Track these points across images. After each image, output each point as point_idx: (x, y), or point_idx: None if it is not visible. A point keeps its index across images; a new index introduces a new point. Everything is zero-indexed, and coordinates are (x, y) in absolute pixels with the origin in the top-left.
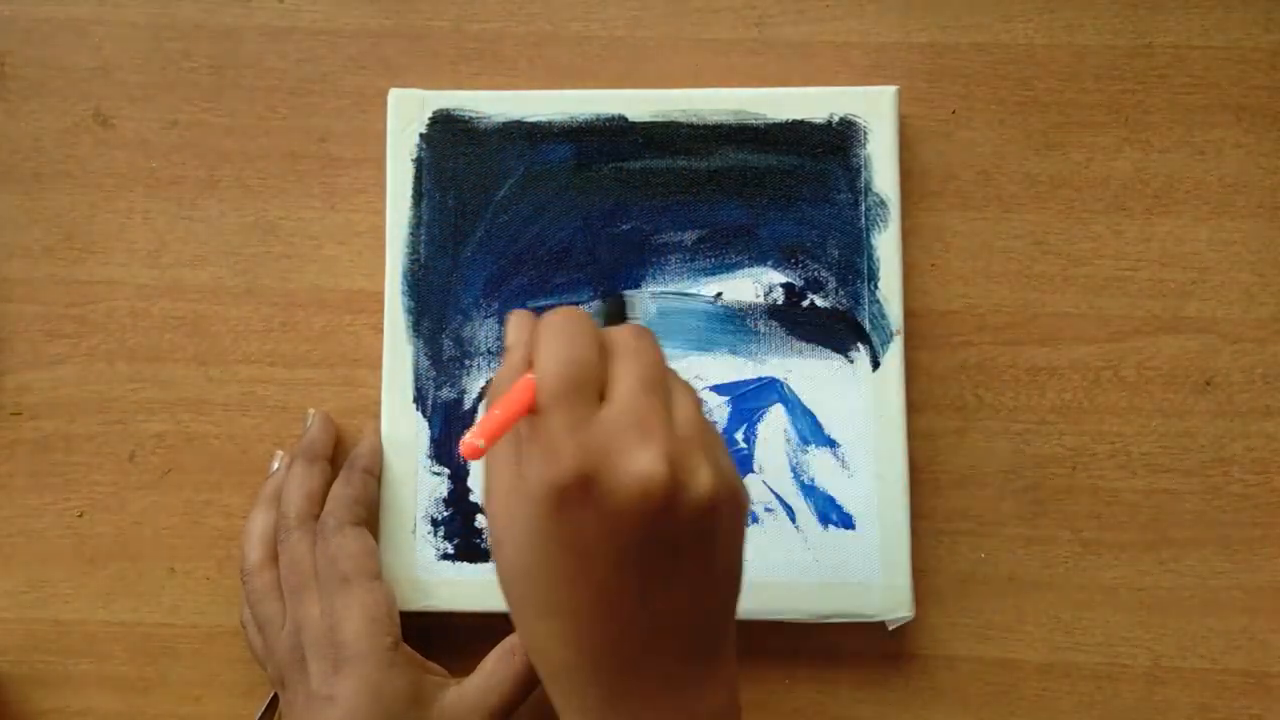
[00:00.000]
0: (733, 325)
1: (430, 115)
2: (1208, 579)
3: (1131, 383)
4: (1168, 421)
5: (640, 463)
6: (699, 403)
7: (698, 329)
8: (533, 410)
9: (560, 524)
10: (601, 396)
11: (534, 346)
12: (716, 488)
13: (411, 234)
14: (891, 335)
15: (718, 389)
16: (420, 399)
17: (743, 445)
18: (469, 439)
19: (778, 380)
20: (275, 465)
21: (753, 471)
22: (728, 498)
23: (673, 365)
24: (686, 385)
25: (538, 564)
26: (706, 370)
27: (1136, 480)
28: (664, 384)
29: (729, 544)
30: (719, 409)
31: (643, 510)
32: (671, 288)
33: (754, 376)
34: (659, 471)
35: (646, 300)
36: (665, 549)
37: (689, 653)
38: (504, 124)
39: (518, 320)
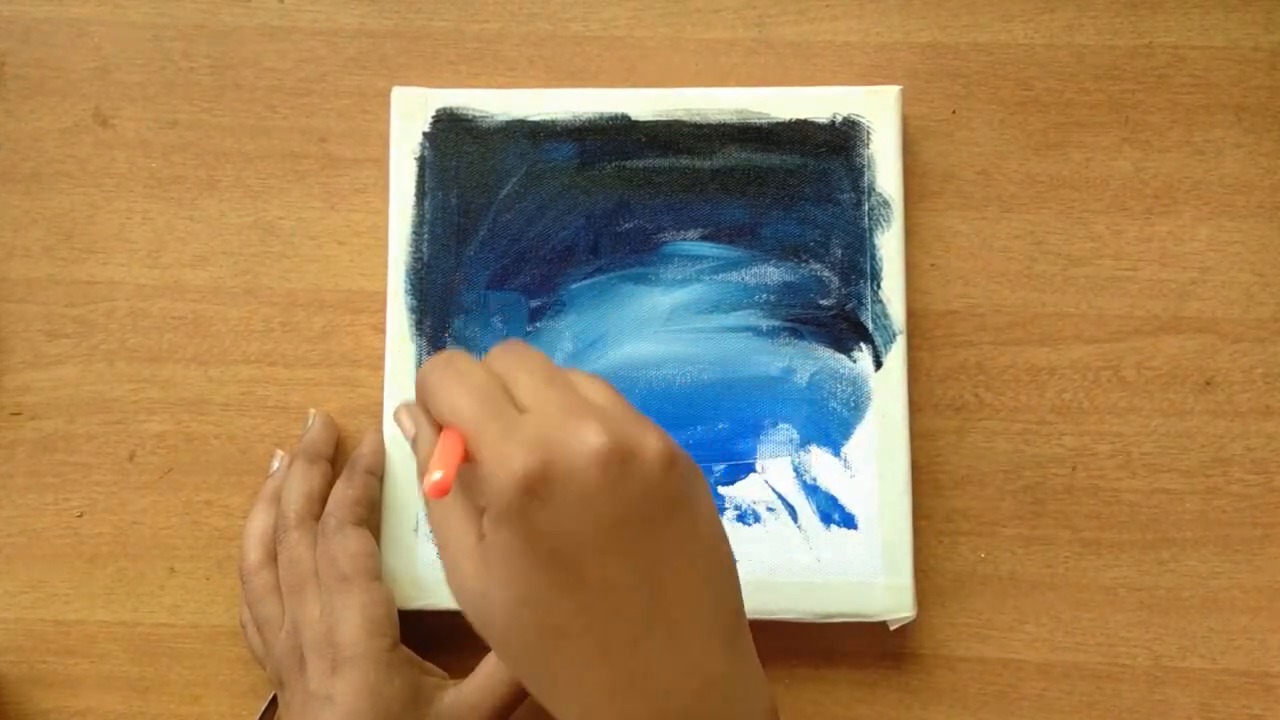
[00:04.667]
0: (736, 324)
1: (433, 114)
2: (1208, 579)
3: (1131, 383)
4: (1168, 421)
5: (586, 438)
6: (609, 384)
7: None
8: (466, 455)
9: (535, 524)
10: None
11: (432, 406)
12: (668, 445)
13: (414, 232)
14: (894, 335)
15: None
16: None
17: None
18: (427, 482)
19: (780, 380)
20: (275, 465)
21: (754, 471)
22: (681, 455)
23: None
24: (588, 374)
25: (531, 593)
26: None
27: (1136, 480)
28: (562, 375)
29: (704, 506)
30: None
31: (606, 482)
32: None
33: (758, 377)
34: (605, 441)
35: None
36: (644, 523)
37: (711, 634)
38: (507, 122)
39: (405, 411)
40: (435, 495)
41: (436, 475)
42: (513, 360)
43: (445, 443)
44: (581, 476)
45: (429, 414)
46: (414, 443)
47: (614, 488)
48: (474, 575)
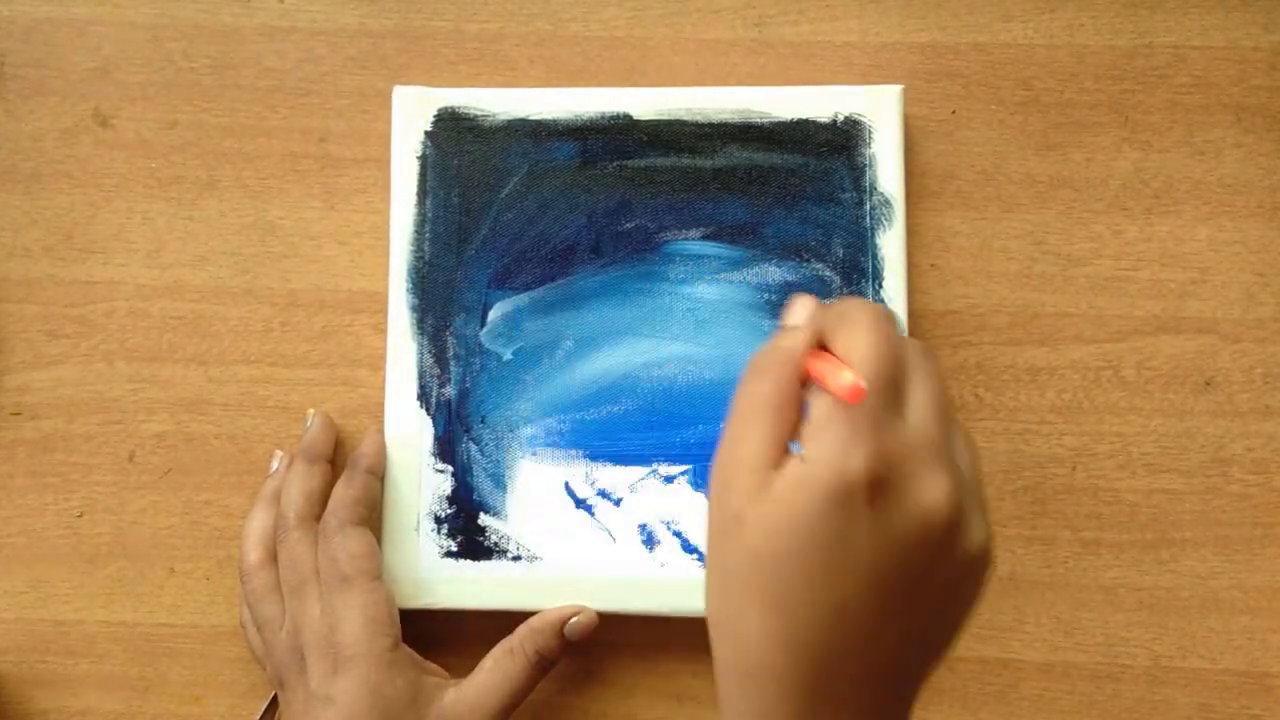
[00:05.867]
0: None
1: (435, 113)
2: (1208, 579)
3: (1131, 383)
4: (1168, 421)
5: (934, 491)
6: (977, 454)
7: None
8: (843, 396)
9: (834, 519)
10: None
11: (838, 334)
12: (989, 542)
13: (416, 231)
14: None
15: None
16: (423, 397)
17: None
18: (851, 380)
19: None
20: (275, 465)
21: None
22: (991, 558)
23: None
24: (966, 431)
25: (791, 552)
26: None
27: (1136, 480)
28: (952, 419)
29: (973, 602)
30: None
31: (920, 539)
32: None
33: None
34: (947, 506)
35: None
36: (921, 585)
37: (891, 693)
38: (509, 121)
39: (804, 302)
40: (854, 399)
41: (857, 380)
42: (922, 367)
43: (840, 373)
44: (908, 513)
45: (822, 331)
46: (785, 329)
47: (922, 544)
48: (747, 489)
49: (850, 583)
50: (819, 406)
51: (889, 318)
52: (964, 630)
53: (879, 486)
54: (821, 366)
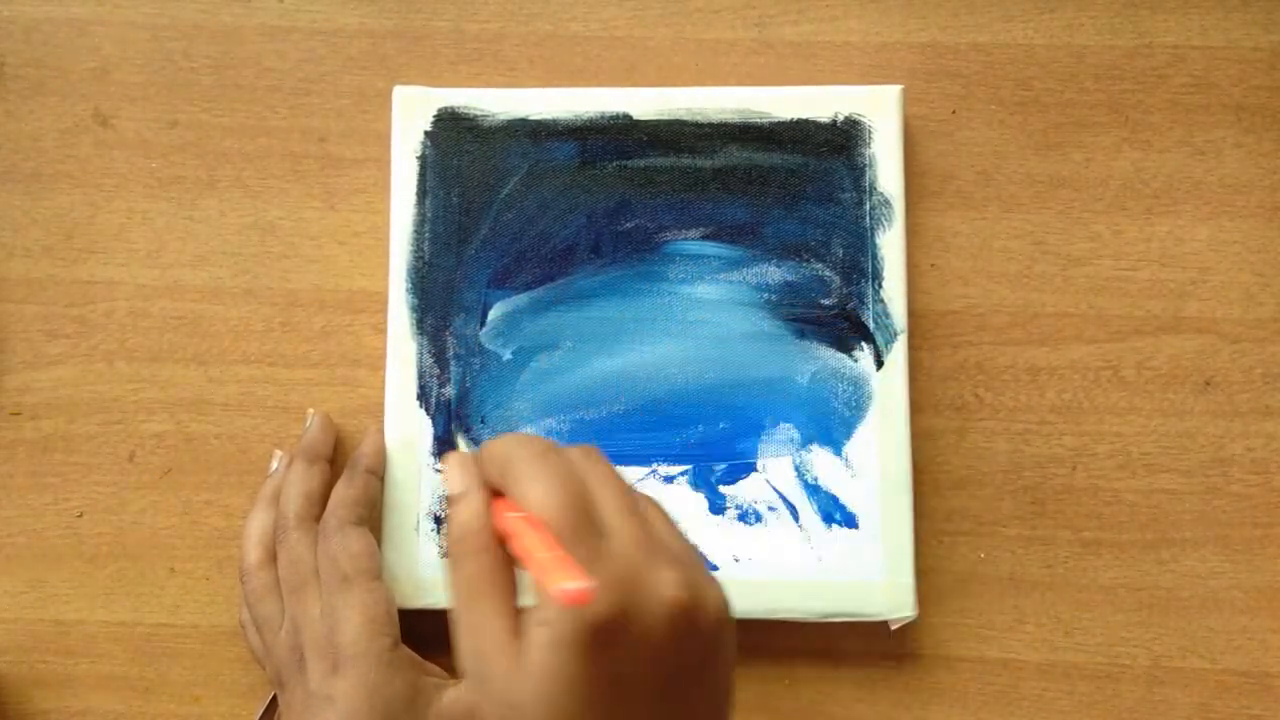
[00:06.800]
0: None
1: (435, 113)
2: (1208, 579)
3: (1131, 383)
4: (1168, 421)
5: (666, 588)
6: (668, 516)
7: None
8: (573, 603)
9: (598, 664)
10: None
11: (508, 487)
12: (724, 601)
13: (415, 231)
14: (896, 335)
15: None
16: (423, 397)
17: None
18: (566, 589)
19: (782, 380)
20: (275, 465)
21: (756, 471)
22: (728, 608)
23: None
24: (649, 498)
25: (574, 710)
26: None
27: (1136, 480)
28: (640, 505)
29: (732, 655)
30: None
31: (674, 634)
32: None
33: (759, 377)
34: (681, 595)
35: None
36: (697, 671)
37: None
38: (508, 121)
39: (460, 462)
40: (576, 604)
41: (580, 585)
42: (597, 474)
43: (547, 544)
44: (656, 622)
45: (488, 481)
46: (455, 499)
47: (681, 639)
48: (505, 674)
49: (642, 704)
50: (533, 566)
51: (546, 447)
52: (733, 695)
53: (621, 612)
54: (539, 568)
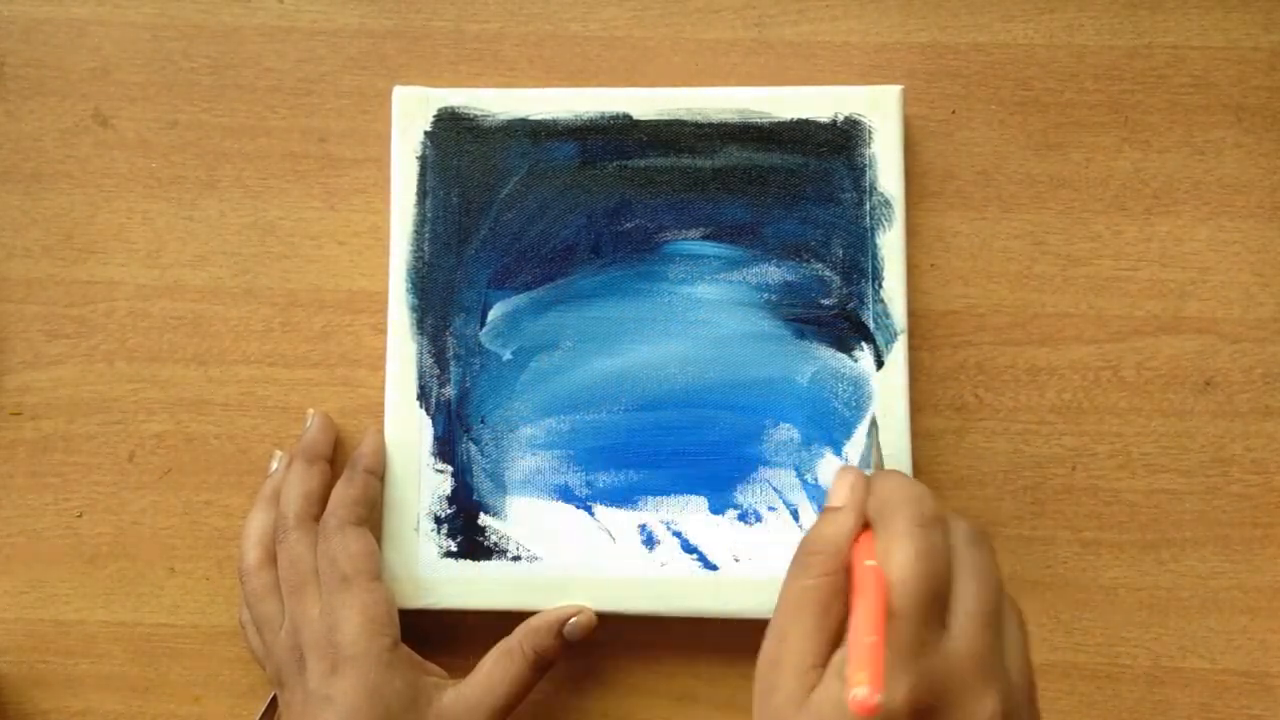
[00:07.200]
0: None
1: (435, 113)
2: (1208, 579)
3: (1131, 383)
4: (1168, 421)
5: (981, 715)
6: (1028, 640)
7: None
8: (853, 708)
9: None
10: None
11: (879, 530)
12: None
13: (415, 231)
14: (896, 335)
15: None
16: (423, 397)
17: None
18: (862, 695)
19: (782, 380)
20: (274, 465)
21: (756, 471)
22: None
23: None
24: (1017, 613)
25: None
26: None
27: (1136, 480)
28: (1002, 614)
29: None
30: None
31: None
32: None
33: (759, 377)
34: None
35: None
36: None
37: None
38: (508, 122)
39: (851, 480)
40: (861, 711)
41: (870, 696)
42: (973, 565)
43: (875, 624)
44: None
45: (868, 510)
46: (830, 510)
47: None
48: (788, 700)
49: None
50: (851, 634)
51: (933, 516)
52: None
53: (921, 715)
54: (854, 643)
